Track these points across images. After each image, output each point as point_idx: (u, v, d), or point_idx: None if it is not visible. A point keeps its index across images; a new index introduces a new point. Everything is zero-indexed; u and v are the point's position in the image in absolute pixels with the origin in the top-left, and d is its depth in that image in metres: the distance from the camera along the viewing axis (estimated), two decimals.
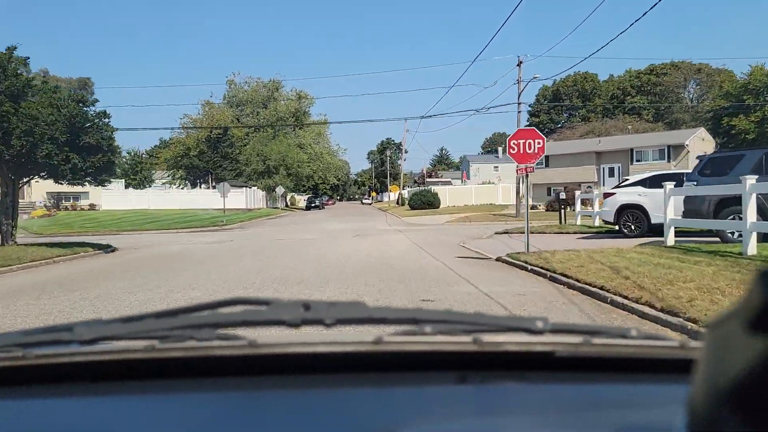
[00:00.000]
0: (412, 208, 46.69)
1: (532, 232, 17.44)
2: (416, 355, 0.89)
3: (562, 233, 19.10)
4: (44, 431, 0.77)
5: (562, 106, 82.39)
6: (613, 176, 45.07)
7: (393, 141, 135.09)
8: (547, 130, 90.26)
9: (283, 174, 61.18)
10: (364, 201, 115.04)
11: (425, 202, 45.97)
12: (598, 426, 0.73)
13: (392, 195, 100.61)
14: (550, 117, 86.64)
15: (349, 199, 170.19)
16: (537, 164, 42.46)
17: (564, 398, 0.84)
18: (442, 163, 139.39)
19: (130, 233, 27.44)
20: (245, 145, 62.02)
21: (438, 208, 46.55)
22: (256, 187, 59.05)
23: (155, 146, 63.18)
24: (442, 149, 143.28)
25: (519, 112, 30.33)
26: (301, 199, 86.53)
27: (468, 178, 65.87)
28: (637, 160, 43.08)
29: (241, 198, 50.94)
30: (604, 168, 45.44)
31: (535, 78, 29.68)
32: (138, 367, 0.88)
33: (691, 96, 70.34)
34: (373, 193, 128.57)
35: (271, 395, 0.86)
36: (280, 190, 56.64)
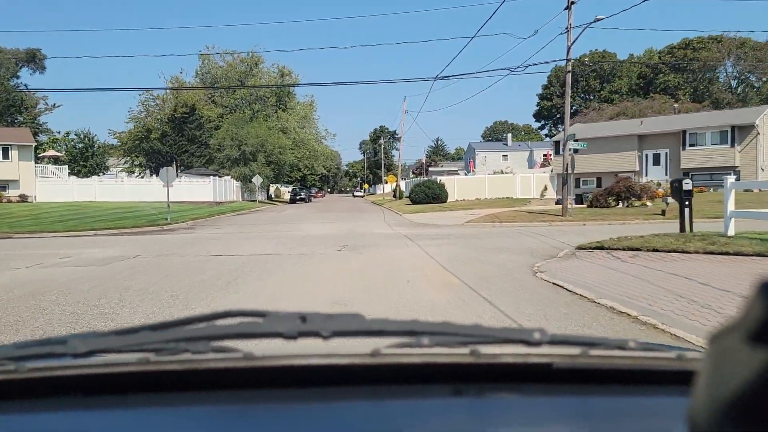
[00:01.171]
0: (414, 201, 39.00)
1: (660, 249, 9.76)
2: (413, 367, 0.90)
3: (740, 254, 9.28)
4: None
5: (579, 89, 74.76)
6: (659, 164, 37.66)
7: (387, 129, 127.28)
8: (559, 114, 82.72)
9: (261, 161, 53.23)
10: (355, 193, 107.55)
11: (430, 194, 38.30)
12: None
13: (387, 187, 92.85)
14: (563, 100, 79.18)
15: (340, 192, 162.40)
16: (564, 150, 32.36)
17: (561, 410, 0.85)
18: (438, 154, 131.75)
19: (21, 237, 19.55)
20: (218, 128, 53.95)
21: (445, 202, 38.91)
22: (230, 177, 51.09)
23: (110, 131, 54.99)
24: (437, 140, 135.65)
25: (568, 72, 22.64)
26: (287, 191, 78.64)
27: (474, 168, 58.15)
28: (691, 145, 35.56)
29: (206, 189, 43.06)
30: (647, 154, 37.91)
31: (597, 20, 21.86)
32: (132, 380, 0.88)
33: (730, 73, 63.01)
34: (366, 185, 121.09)
35: (267, 408, 0.85)
36: (257, 180, 48.77)
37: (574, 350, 0.94)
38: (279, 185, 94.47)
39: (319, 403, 0.85)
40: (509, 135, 72.77)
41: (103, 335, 0.92)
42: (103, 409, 0.86)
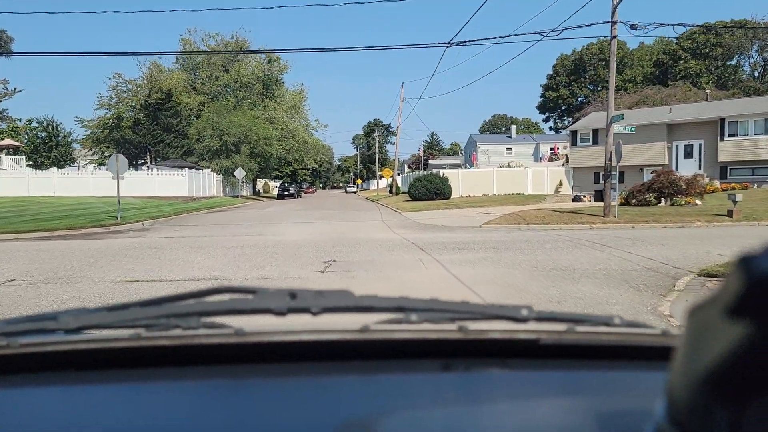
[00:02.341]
0: (414, 198, 34.73)
1: None
2: (402, 343, 0.91)
3: None
4: (30, 420, 0.77)
5: (587, 78, 70.62)
6: (691, 157, 33.52)
7: (381, 122, 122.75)
8: (565, 106, 78.58)
9: (245, 153, 48.76)
10: (348, 189, 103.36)
11: (432, 190, 34.03)
12: (580, 412, 0.76)
13: (382, 182, 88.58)
14: (570, 90, 74.77)
15: (332, 187, 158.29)
16: (582, 141, 27.91)
17: (547, 385, 0.86)
18: (433, 149, 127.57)
19: None
20: (199, 117, 49.40)
21: (449, 198, 34.68)
22: (210, 170, 46.59)
23: (77, 118, 50.06)
24: (432, 134, 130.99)
25: (614, 37, 18.35)
26: (276, 187, 74.12)
27: (477, 162, 53.89)
28: (731, 135, 31.38)
29: (181, 183, 38.57)
30: (677, 146, 33.74)
31: None
32: (124, 356, 0.89)
33: (757, 60, 58.90)
34: (359, 181, 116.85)
35: (257, 383, 0.86)
36: (239, 173, 44.32)
37: (561, 327, 0.96)
38: (267, 180, 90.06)
39: (309, 378, 0.86)
40: (513, 127, 68.60)
41: (94, 311, 0.92)
42: (94, 384, 0.87)
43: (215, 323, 0.91)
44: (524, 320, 0.92)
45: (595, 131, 35.91)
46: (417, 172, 55.72)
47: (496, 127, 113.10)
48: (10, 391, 0.86)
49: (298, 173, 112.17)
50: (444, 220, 20.26)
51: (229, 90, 57.27)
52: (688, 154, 33.48)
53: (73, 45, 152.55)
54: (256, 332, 0.90)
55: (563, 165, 42.41)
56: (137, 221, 20.69)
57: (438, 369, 0.89)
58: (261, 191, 79.70)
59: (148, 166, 39.74)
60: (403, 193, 50.32)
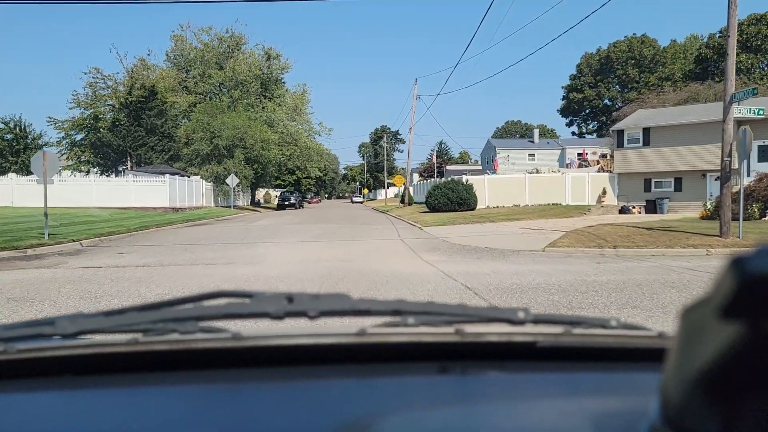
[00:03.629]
0: (432, 208, 29.68)
1: None
2: (399, 346, 0.92)
3: None
4: (27, 425, 0.77)
5: (615, 78, 65.47)
6: (766, 160, 28.28)
7: (389, 129, 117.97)
8: (589, 108, 73.42)
9: (239, 159, 43.90)
10: (354, 199, 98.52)
11: (454, 199, 28.98)
12: (576, 413, 0.76)
13: (390, 191, 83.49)
14: (597, 91, 69.61)
15: (338, 197, 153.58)
16: (630, 142, 23.13)
17: (543, 387, 0.88)
18: (442, 158, 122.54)
19: None
20: (188, 118, 44.64)
21: (474, 209, 29.62)
22: (199, 177, 41.74)
23: (49, 118, 45.18)
24: (440, 143, 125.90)
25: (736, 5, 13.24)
26: (278, 196, 69.07)
27: (499, 168, 48.78)
28: None
29: (160, 191, 33.68)
30: (755, 146, 28.42)
31: None
32: (121, 361, 0.90)
33: None
34: (365, 190, 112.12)
35: (254, 387, 0.87)
36: (232, 180, 39.43)
37: (558, 329, 0.97)
38: (269, 189, 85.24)
39: (306, 382, 0.87)
40: (536, 131, 63.40)
41: (91, 316, 0.93)
42: (92, 389, 0.87)
43: (213, 327, 0.92)
44: (521, 323, 0.92)
45: (647, 130, 30.77)
46: (431, 180, 50.70)
47: (510, 134, 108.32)
48: (8, 396, 0.86)
49: (302, 182, 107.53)
50: (483, 240, 15.19)
51: (224, 90, 52.54)
52: (763, 156, 28.30)
53: (51, 37, 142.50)
54: (254, 336, 0.91)
55: (600, 171, 37.30)
56: (75, 240, 15.68)
57: (435, 372, 0.89)
58: (261, 201, 74.90)
59: (124, 172, 34.85)
60: (416, 203, 45.26)
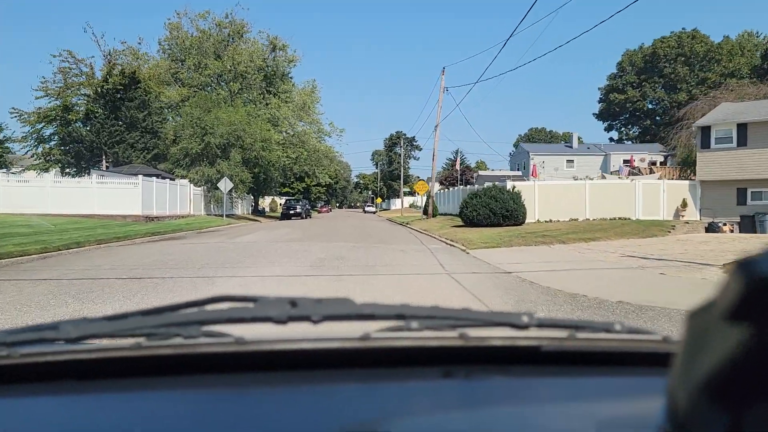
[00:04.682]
0: (469, 222, 23.60)
1: None
2: (403, 350, 0.93)
3: None
4: (31, 430, 0.78)
5: (661, 78, 59.01)
6: None
7: (405, 135, 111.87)
8: (628, 112, 66.84)
9: (236, 160, 38.08)
10: (366, 209, 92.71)
11: (499, 211, 22.88)
12: (581, 418, 0.77)
13: (406, 201, 77.61)
14: (641, 91, 63.16)
15: (349, 207, 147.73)
16: (718, 141, 15.77)
17: (548, 391, 0.88)
18: (448, 170, 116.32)
19: None
20: (179, 114, 38.94)
21: (522, 223, 23.47)
22: (187, 180, 35.94)
23: (13, 110, 39.37)
24: (457, 151, 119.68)
25: None
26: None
27: (537, 175, 42.48)
28: None
29: (132, 196, 27.89)
30: None
31: None
32: (125, 365, 0.91)
33: None
34: (378, 200, 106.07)
35: (258, 392, 0.88)
36: (225, 185, 33.59)
37: (562, 333, 0.97)
38: (275, 197, 79.53)
39: (310, 387, 0.88)
40: (575, 135, 57.03)
41: (94, 321, 0.93)
42: (95, 393, 0.88)
43: (216, 332, 0.91)
44: (525, 327, 0.92)
45: (742, 127, 24.45)
46: (454, 189, 44.53)
47: (535, 142, 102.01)
48: (12, 400, 0.86)
49: (311, 190, 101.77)
50: (584, 278, 9.14)
51: (222, 84, 46.83)
52: None
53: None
54: (257, 341, 0.91)
55: (660, 180, 30.97)
56: None
57: (439, 376, 0.90)
58: (267, 210, 69.10)
59: (89, 173, 28.94)
60: (441, 214, 39.12)
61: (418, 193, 36.73)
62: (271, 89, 49.37)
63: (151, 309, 0.97)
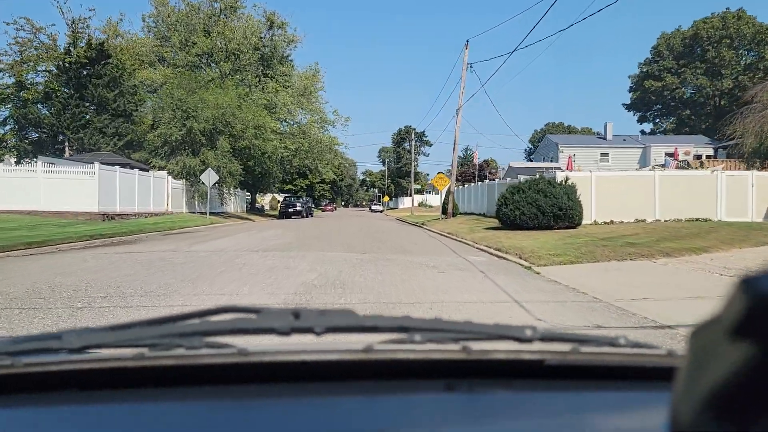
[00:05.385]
0: (509, 224, 18.58)
1: None
2: (405, 363, 0.93)
3: None
4: None
5: (703, 63, 53.56)
6: None
7: (414, 129, 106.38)
8: (662, 102, 61.35)
9: (224, 149, 33.12)
10: (373, 207, 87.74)
11: (549, 210, 17.82)
12: None
13: (416, 198, 72.24)
14: (680, 77, 57.65)
15: (355, 205, 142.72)
16: None
17: (551, 405, 0.88)
18: (468, 165, 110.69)
19: None
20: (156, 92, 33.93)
21: (579, 225, 18.35)
22: (165, 172, 30.99)
23: None
24: (466, 149, 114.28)
25: None
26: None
27: (573, 167, 37.23)
28: None
29: (86, 189, 22.88)
30: None
31: None
32: (127, 375, 0.91)
33: None
34: (386, 198, 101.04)
35: (260, 403, 0.88)
36: (209, 177, 28.64)
37: (566, 347, 0.97)
38: (276, 194, 74.52)
39: (312, 399, 0.88)
40: (610, 125, 51.48)
41: (97, 331, 0.94)
42: (98, 403, 0.88)
43: (218, 343, 0.92)
44: (529, 340, 0.92)
45: None
46: (472, 185, 39.37)
47: (556, 132, 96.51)
48: (14, 410, 0.86)
49: (315, 187, 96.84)
50: None
51: (212, 64, 41.81)
52: None
53: None
54: (260, 352, 0.91)
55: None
56: None
57: (441, 389, 0.90)
58: (267, 208, 64.12)
59: (34, 161, 23.81)
60: (462, 214, 33.97)
61: (438, 189, 31.42)
62: (267, 72, 44.36)
63: (154, 319, 0.96)
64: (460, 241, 17.21)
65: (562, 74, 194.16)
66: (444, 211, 31.41)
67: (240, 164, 34.66)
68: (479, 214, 32.41)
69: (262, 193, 62.42)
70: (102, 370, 0.90)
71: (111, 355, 0.92)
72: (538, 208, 17.87)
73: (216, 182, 31.66)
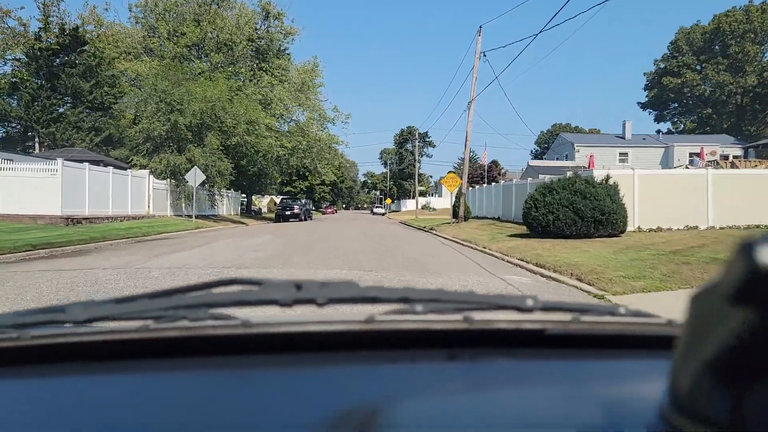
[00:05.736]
0: (540, 231, 15.71)
1: None
2: (407, 333, 0.94)
3: None
4: (39, 411, 0.80)
5: (728, 56, 50.79)
6: None
7: (416, 130, 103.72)
8: (681, 100, 58.52)
9: (214, 145, 30.30)
10: (375, 210, 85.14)
11: (589, 214, 14.91)
12: (584, 399, 0.78)
13: (420, 201, 69.43)
14: (702, 74, 54.74)
15: (356, 208, 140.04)
16: None
17: (552, 374, 0.89)
18: (472, 167, 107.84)
19: None
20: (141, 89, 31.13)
21: (623, 232, 15.48)
22: (146, 171, 28.15)
23: None
24: (470, 151, 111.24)
25: None
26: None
27: (595, 166, 34.37)
28: None
29: (49, 189, 20.07)
30: None
31: None
32: (132, 347, 0.92)
33: None
34: (388, 200, 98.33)
35: (263, 374, 0.89)
36: (194, 176, 25.85)
37: (566, 316, 0.98)
38: (274, 196, 71.69)
39: (315, 369, 0.89)
40: (629, 123, 48.54)
41: (102, 303, 0.95)
42: (103, 374, 0.89)
43: (222, 314, 0.93)
44: (530, 310, 0.93)
45: None
46: (485, 186, 36.51)
47: (564, 130, 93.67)
48: (22, 382, 0.88)
49: (315, 189, 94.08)
50: None
51: (203, 56, 39.03)
52: None
53: None
54: (263, 323, 0.92)
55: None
56: None
57: (443, 359, 0.91)
58: (264, 211, 61.32)
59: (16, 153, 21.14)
60: (474, 218, 31.10)
61: (449, 190, 28.53)
62: (263, 65, 41.57)
63: (159, 291, 0.97)
64: (482, 252, 14.33)
65: (568, 74, 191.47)
66: (455, 214, 28.52)
67: (232, 163, 31.84)
68: (493, 218, 29.56)
69: (259, 195, 59.68)
70: (108, 342, 0.91)
71: (116, 327, 0.93)
72: (575, 212, 15.00)
73: (203, 182, 28.83)
